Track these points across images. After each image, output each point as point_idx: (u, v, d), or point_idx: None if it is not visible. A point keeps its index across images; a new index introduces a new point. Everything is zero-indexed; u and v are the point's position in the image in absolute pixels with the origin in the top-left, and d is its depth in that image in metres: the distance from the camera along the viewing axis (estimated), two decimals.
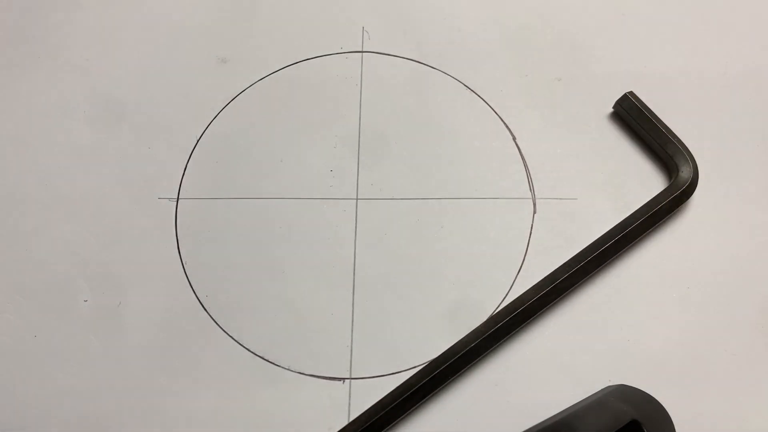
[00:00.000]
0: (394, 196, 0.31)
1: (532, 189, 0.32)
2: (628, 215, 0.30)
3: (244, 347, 0.29)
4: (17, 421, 0.28)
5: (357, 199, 0.31)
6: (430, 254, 0.30)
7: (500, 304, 0.29)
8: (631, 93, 0.32)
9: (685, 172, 0.30)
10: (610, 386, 0.28)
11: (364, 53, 0.35)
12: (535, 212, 0.31)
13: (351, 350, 0.29)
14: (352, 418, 0.27)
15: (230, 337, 0.29)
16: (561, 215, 0.31)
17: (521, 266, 0.30)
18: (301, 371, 0.29)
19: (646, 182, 0.31)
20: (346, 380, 0.28)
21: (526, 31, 0.35)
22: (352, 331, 0.29)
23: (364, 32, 0.35)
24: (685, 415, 0.27)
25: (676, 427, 0.26)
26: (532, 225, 0.31)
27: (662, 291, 0.30)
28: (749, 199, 0.31)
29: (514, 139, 0.33)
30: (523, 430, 0.26)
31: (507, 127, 0.33)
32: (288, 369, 0.29)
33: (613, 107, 0.33)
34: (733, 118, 0.33)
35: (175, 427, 0.28)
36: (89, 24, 0.36)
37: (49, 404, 0.28)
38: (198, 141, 0.33)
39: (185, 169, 0.32)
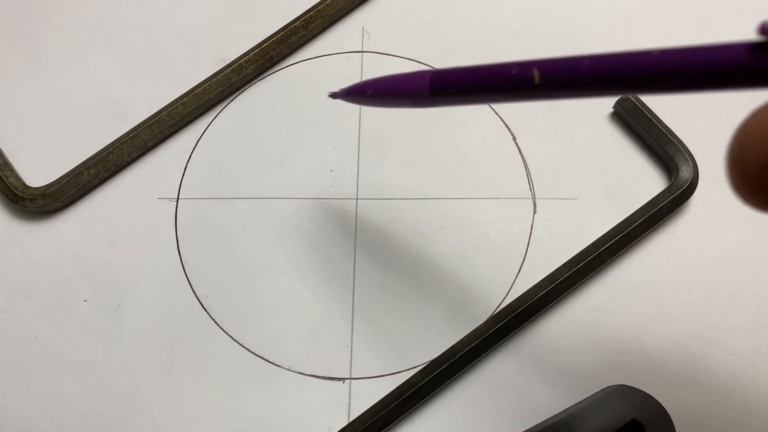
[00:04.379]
0: (394, 196, 0.31)
1: (532, 189, 0.32)
2: (628, 215, 0.30)
3: (244, 347, 0.29)
4: (17, 421, 0.28)
5: (357, 199, 0.31)
6: (430, 254, 0.30)
7: (500, 304, 0.29)
8: None
9: (685, 172, 0.30)
10: (610, 386, 0.28)
11: (364, 53, 0.35)
12: (535, 212, 0.31)
13: (351, 350, 0.29)
14: (352, 418, 0.27)
15: (230, 337, 0.29)
16: (561, 215, 0.31)
17: (521, 266, 0.30)
18: (301, 371, 0.29)
19: (646, 182, 0.31)
20: (346, 380, 0.28)
21: (527, 31, 0.35)
22: (352, 331, 0.29)
23: (364, 32, 0.35)
24: (685, 415, 0.27)
25: (676, 427, 0.26)
26: (532, 225, 0.31)
27: (662, 291, 0.30)
28: None
29: (514, 139, 0.33)
30: (523, 430, 0.26)
31: (507, 127, 0.33)
32: (288, 369, 0.29)
33: (613, 107, 0.33)
34: (733, 119, 0.33)
35: (175, 427, 0.28)
36: (89, 24, 0.36)
37: (49, 404, 0.28)
38: (198, 141, 0.33)
39: (185, 168, 0.32)
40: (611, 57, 0.16)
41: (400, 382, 0.28)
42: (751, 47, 0.14)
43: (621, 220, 0.30)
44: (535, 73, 0.18)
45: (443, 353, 0.28)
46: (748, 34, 0.37)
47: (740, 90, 0.17)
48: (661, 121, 0.31)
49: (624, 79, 0.16)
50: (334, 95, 0.26)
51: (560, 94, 0.18)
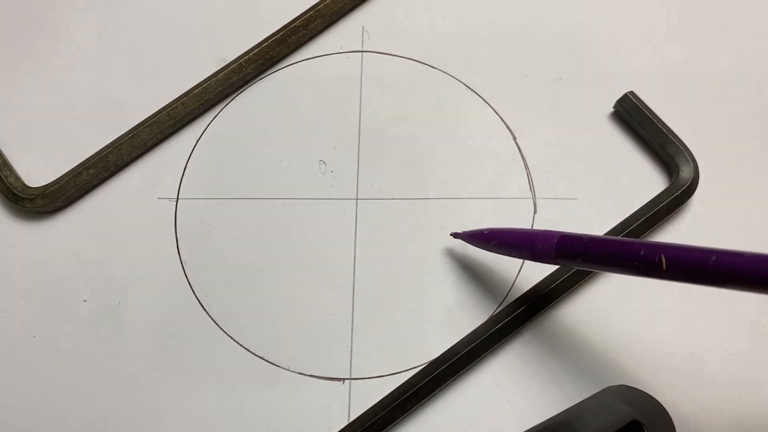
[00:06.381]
0: (394, 196, 0.31)
1: (532, 189, 0.32)
2: (628, 215, 0.30)
3: (243, 347, 0.29)
4: (17, 421, 0.28)
5: (357, 199, 0.31)
6: (430, 254, 0.30)
7: (500, 304, 0.29)
8: (631, 93, 0.32)
9: (685, 172, 0.30)
10: (610, 386, 0.28)
11: (364, 53, 0.35)
12: (535, 212, 0.31)
13: (351, 350, 0.29)
14: (352, 418, 0.27)
15: (230, 337, 0.29)
16: (561, 215, 0.31)
17: (521, 266, 0.30)
18: (301, 371, 0.29)
19: (647, 182, 0.31)
20: (346, 380, 0.28)
21: (527, 31, 0.35)
22: (352, 331, 0.29)
23: (364, 32, 0.35)
24: (685, 415, 0.27)
25: (676, 427, 0.26)
26: (532, 225, 0.31)
27: (662, 291, 0.30)
28: (749, 199, 0.31)
29: (514, 139, 0.33)
30: (524, 430, 0.26)
31: (507, 127, 0.33)
32: (288, 369, 0.29)
33: (614, 107, 0.33)
34: (733, 118, 0.33)
35: (175, 427, 0.28)
36: (89, 24, 0.36)
37: (49, 404, 0.28)
38: (198, 141, 0.33)
39: (185, 168, 0.32)
40: (736, 255, 0.17)
41: (400, 383, 0.28)
42: None
43: (621, 220, 0.30)
44: (663, 259, 0.19)
45: (443, 353, 0.28)
46: (748, 33, 0.37)
47: None
48: (662, 121, 0.31)
49: (751, 279, 0.17)
50: (456, 235, 0.29)
51: (685, 281, 0.19)
